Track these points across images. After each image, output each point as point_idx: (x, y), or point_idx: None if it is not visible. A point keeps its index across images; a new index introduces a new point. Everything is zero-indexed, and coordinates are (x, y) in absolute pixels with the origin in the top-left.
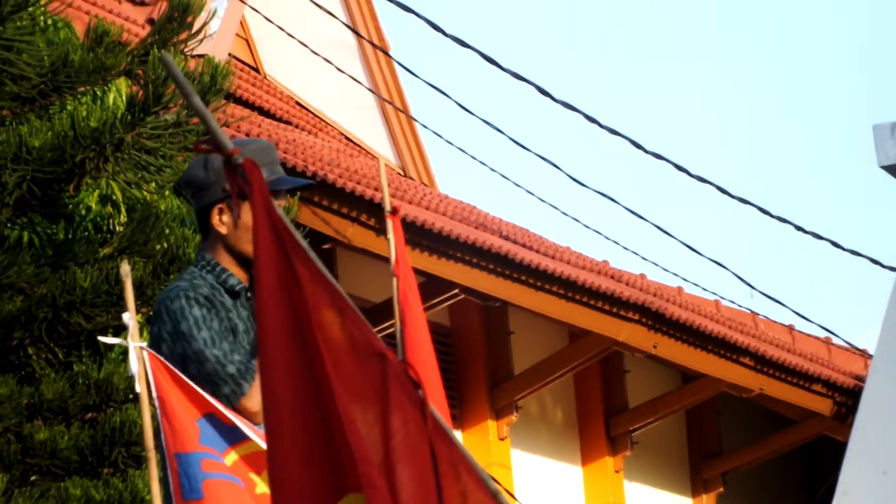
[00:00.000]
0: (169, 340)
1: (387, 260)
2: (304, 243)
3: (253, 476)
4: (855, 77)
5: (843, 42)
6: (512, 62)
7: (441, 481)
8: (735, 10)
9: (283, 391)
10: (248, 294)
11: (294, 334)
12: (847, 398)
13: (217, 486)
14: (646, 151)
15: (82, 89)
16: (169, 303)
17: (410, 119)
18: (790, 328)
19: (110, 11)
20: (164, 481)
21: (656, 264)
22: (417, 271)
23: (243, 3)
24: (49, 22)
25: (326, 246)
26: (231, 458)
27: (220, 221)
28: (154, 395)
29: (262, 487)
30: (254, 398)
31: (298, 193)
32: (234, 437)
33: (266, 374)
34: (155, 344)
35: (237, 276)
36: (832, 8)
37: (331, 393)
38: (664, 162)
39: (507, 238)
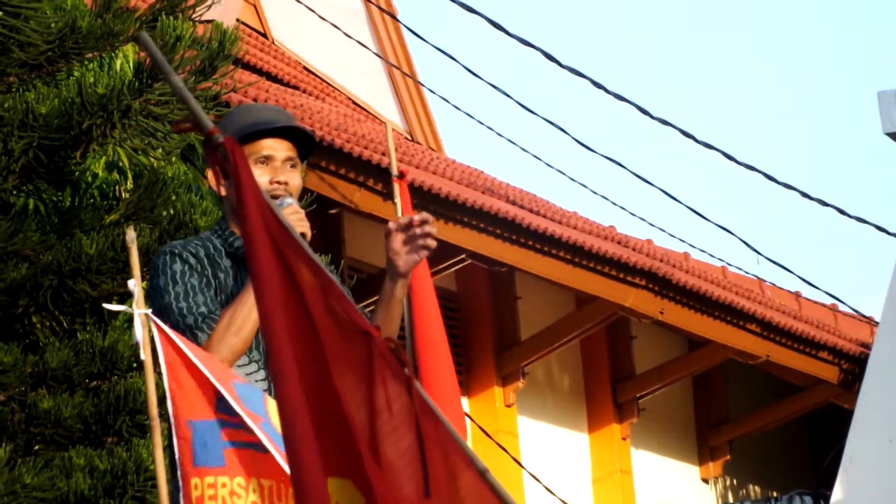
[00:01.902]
0: (152, 295)
1: None
2: (286, 221)
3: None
4: (860, 44)
5: (849, 9)
6: (519, 28)
7: (428, 460)
8: None
9: (285, 370)
10: None
11: (286, 313)
12: (853, 365)
13: (239, 455)
14: (652, 117)
15: (90, 56)
16: (156, 259)
17: (418, 84)
18: (796, 295)
19: None
20: (168, 448)
21: (663, 230)
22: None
23: None
24: None
25: (333, 211)
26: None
27: (220, 183)
28: (161, 361)
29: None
30: (210, 347)
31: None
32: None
33: (271, 352)
34: (147, 301)
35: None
36: None
37: (324, 374)
38: (671, 128)
39: (514, 203)
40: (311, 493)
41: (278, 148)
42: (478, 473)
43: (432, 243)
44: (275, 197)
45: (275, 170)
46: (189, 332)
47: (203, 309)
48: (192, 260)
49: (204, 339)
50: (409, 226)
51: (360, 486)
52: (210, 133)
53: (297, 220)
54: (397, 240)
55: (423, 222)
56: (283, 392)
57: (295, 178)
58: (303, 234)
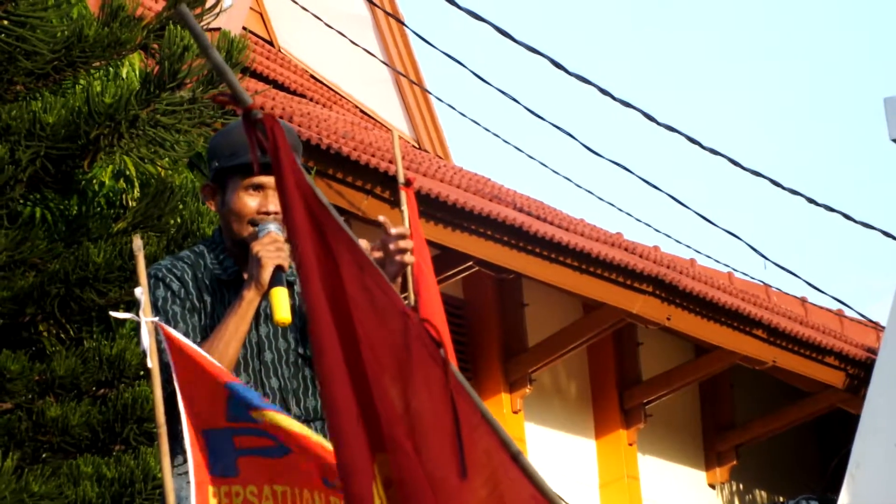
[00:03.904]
0: None
1: None
2: (324, 199)
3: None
4: (867, 50)
5: (855, 15)
6: (525, 35)
7: (464, 440)
8: None
9: (328, 347)
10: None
11: (330, 293)
12: (859, 370)
13: (252, 462)
14: (658, 124)
15: (97, 64)
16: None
17: (425, 92)
18: (803, 300)
19: None
20: (174, 456)
21: (669, 236)
22: (431, 243)
23: None
24: None
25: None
26: (260, 417)
27: (212, 202)
28: (172, 369)
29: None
30: None
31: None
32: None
33: (313, 329)
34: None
35: (236, 256)
36: None
37: (359, 351)
38: (677, 134)
39: (521, 210)
40: (357, 472)
41: (269, 177)
42: (511, 456)
43: (409, 259)
44: (254, 224)
45: (265, 198)
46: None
47: None
48: (174, 285)
49: None
50: (386, 238)
51: (396, 463)
52: (249, 108)
53: (274, 249)
54: (375, 251)
55: (399, 237)
56: (327, 373)
57: None
58: (280, 267)
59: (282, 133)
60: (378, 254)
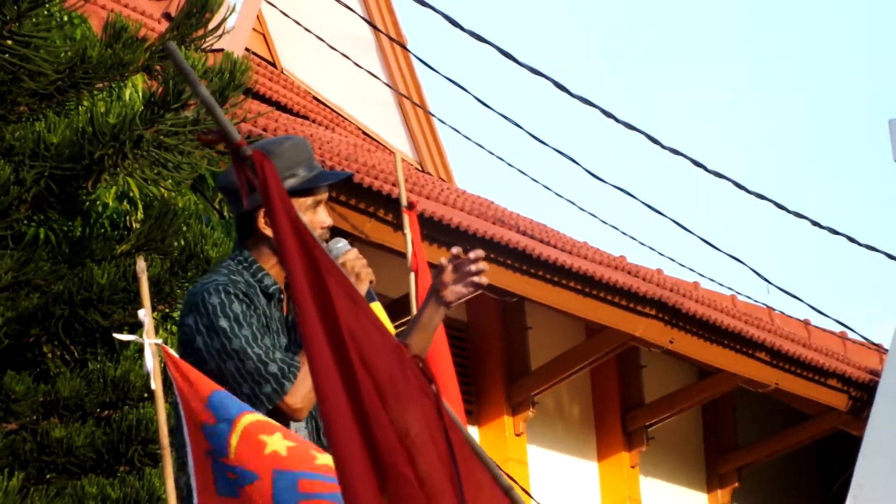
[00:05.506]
0: (206, 334)
1: (404, 255)
2: (314, 232)
3: (263, 437)
4: (870, 71)
5: (858, 36)
6: (529, 57)
7: (460, 471)
8: (749, 4)
9: (327, 385)
10: (281, 296)
11: (326, 325)
12: (862, 393)
13: (249, 491)
14: (662, 147)
15: (100, 85)
16: (207, 296)
17: (428, 114)
18: (806, 323)
19: (126, 6)
20: (179, 477)
21: (673, 259)
22: (434, 266)
23: None
24: (65, 18)
25: None
26: (242, 423)
27: (268, 224)
28: (175, 391)
29: (272, 447)
30: (296, 394)
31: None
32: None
33: (312, 368)
34: (190, 335)
35: (275, 276)
36: (847, 1)
37: (356, 381)
38: (681, 157)
39: (524, 233)
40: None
41: (325, 192)
42: (502, 491)
43: (484, 280)
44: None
45: (324, 212)
46: (274, 381)
47: (279, 354)
48: (245, 298)
49: (289, 387)
50: (460, 260)
51: (398, 491)
52: (238, 145)
53: (361, 266)
54: (448, 272)
55: (477, 258)
56: (328, 404)
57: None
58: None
59: (272, 169)
60: (451, 276)
